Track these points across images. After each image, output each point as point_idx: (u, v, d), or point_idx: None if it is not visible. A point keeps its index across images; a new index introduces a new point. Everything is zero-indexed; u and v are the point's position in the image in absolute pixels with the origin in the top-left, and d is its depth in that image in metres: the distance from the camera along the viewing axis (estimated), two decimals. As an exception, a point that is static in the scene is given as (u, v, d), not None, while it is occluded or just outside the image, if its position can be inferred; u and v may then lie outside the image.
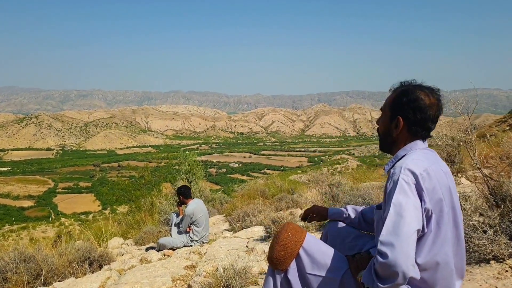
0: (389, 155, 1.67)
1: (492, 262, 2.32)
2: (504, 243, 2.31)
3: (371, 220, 1.91)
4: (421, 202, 1.41)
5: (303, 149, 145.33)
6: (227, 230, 6.06)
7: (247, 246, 4.27)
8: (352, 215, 1.97)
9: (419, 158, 1.50)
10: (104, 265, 4.33)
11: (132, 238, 6.86)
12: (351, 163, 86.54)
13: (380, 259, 1.33)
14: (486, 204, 2.55)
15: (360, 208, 2.00)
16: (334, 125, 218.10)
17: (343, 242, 1.88)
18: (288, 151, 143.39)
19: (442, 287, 1.48)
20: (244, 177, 78.56)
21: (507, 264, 2.26)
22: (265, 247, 4.01)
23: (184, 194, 5.20)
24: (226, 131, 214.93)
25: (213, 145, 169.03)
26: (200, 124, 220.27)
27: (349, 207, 2.01)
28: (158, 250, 5.00)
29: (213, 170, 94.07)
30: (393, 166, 1.56)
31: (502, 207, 2.46)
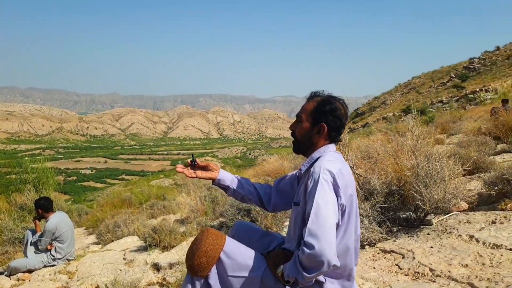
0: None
1: (366, 247, 2.69)
2: (376, 230, 2.72)
3: (266, 193, 1.96)
4: (337, 198, 1.57)
5: (165, 152, 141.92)
6: (94, 243, 5.58)
7: (124, 259, 4.01)
8: (239, 186, 1.97)
9: (333, 160, 1.67)
10: None
11: (-39, 266, 5.53)
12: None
13: (307, 250, 1.42)
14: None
15: (245, 182, 1.99)
16: (198, 127, 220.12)
17: (250, 242, 1.93)
18: (149, 154, 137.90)
19: (348, 270, 1.67)
20: (99, 185, 72.43)
21: (377, 247, 2.67)
22: (147, 257, 3.84)
23: (44, 207, 4.45)
24: (77, 134, 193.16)
25: (60, 150, 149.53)
26: (43, 125, 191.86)
27: (241, 178, 2.01)
28: (9, 275, 4.16)
29: (60, 178, 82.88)
30: (310, 167, 1.70)
31: (371, 199, 2.88)
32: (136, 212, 7.38)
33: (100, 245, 5.26)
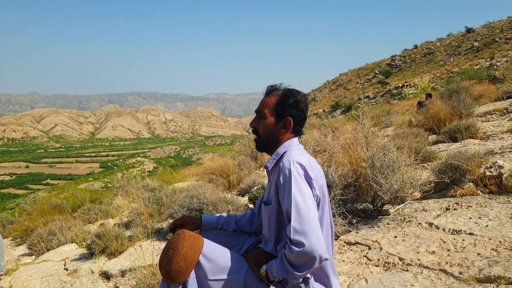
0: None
1: (331, 240, 2.67)
2: (339, 223, 2.71)
3: (242, 226, 1.96)
4: (311, 190, 1.52)
5: (94, 154, 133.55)
6: (26, 255, 5.08)
7: (66, 269, 3.69)
8: (227, 223, 1.96)
9: (300, 153, 1.63)
10: None
11: None
12: (147, 166, 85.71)
13: (296, 248, 1.37)
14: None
15: (232, 216, 2.01)
16: (128, 127, 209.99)
17: (220, 243, 1.82)
18: (76, 157, 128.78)
19: (330, 265, 1.60)
20: (20, 191, 66.28)
21: (341, 240, 2.66)
22: (92, 265, 3.56)
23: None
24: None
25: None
26: None
27: (225, 214, 2.01)
28: None
29: (-28, 186, 74.43)
30: (276, 163, 1.66)
31: (331, 192, 2.87)
32: (70, 218, 6.84)
33: (34, 256, 4.82)
